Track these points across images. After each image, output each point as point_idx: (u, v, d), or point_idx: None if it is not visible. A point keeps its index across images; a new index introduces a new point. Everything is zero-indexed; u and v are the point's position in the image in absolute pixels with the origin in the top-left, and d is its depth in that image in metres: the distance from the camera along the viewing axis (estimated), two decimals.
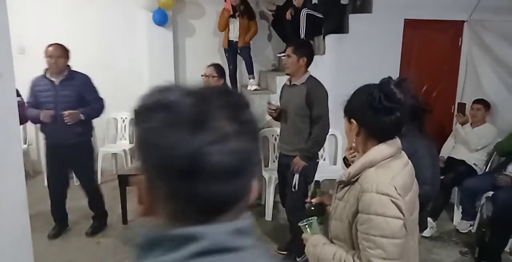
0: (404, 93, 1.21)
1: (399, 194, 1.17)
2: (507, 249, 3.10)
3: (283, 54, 4.40)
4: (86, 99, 3.15)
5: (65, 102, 3.06)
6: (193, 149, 0.48)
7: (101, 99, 3.26)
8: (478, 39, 4.17)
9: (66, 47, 3.14)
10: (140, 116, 0.53)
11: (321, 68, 3.93)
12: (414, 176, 1.34)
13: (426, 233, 3.44)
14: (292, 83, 2.84)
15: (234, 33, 4.52)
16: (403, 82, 1.22)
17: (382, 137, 1.26)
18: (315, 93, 2.74)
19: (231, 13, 4.46)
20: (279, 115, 2.93)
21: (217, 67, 3.22)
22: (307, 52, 2.80)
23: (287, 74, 2.87)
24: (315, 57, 4.14)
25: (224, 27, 4.58)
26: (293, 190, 2.84)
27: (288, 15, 4.14)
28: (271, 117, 3.06)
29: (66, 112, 3.00)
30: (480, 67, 4.13)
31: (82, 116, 3.09)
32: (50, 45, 3.08)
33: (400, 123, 1.25)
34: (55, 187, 3.30)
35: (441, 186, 3.61)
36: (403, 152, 1.32)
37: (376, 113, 1.22)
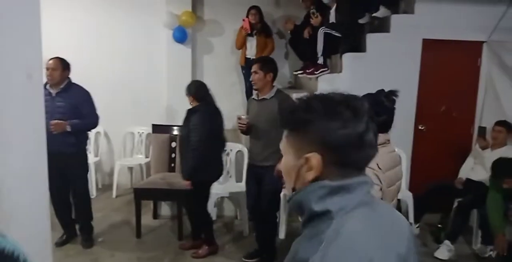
0: (390, 102, 1.78)
1: (380, 169, 1.62)
2: None
3: (300, 72, 4.44)
4: (80, 113, 3.23)
5: (59, 113, 3.14)
6: (360, 132, 0.81)
7: (96, 115, 3.33)
8: (497, 60, 4.13)
9: (65, 61, 3.26)
10: (331, 114, 0.82)
11: (337, 86, 3.91)
12: (397, 161, 1.86)
13: (444, 255, 3.35)
14: (260, 97, 3.03)
15: (251, 51, 4.59)
16: (391, 94, 1.78)
17: None
18: (285, 104, 2.92)
19: (249, 31, 4.54)
20: (248, 129, 3.05)
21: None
22: (272, 68, 3.02)
23: (255, 89, 3.07)
24: (332, 75, 4.22)
25: (241, 45, 4.66)
26: (278, 196, 3.07)
27: (306, 34, 4.19)
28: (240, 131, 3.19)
29: (53, 122, 3.06)
30: (500, 88, 4.08)
31: (68, 128, 3.14)
32: (51, 58, 3.22)
33: (387, 124, 1.79)
34: (55, 195, 3.28)
35: (460, 208, 3.56)
36: (391, 144, 1.82)
37: None
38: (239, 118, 3.07)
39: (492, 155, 3.57)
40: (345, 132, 0.79)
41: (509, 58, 3.98)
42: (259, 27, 4.58)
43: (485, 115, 4.19)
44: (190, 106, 3.18)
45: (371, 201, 0.84)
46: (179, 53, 4.89)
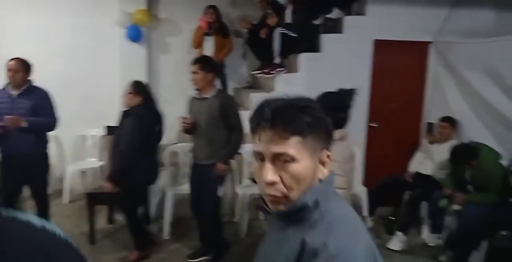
0: (350, 100, 2.02)
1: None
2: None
3: (257, 72, 4.48)
4: (40, 114, 3.14)
5: (20, 114, 3.04)
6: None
7: (54, 117, 3.25)
8: (443, 60, 4.37)
9: (27, 62, 3.15)
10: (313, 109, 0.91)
11: (294, 85, 4.01)
12: (353, 156, 2.14)
13: (396, 246, 3.51)
14: (202, 96, 3.05)
15: (208, 50, 4.56)
16: (352, 92, 2.02)
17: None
18: (230, 105, 3.03)
19: (206, 30, 4.51)
20: (192, 128, 3.07)
21: (135, 84, 3.19)
22: (212, 67, 3.07)
23: (196, 89, 3.08)
24: (289, 75, 4.29)
25: (198, 44, 4.61)
26: (219, 194, 3.08)
27: (263, 34, 4.22)
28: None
29: (8, 117, 2.97)
30: (445, 86, 4.32)
31: (24, 124, 3.03)
32: (12, 59, 3.11)
33: (345, 120, 2.02)
34: (7, 196, 3.21)
35: (410, 201, 3.75)
36: (348, 140, 2.04)
37: None
38: (183, 117, 3.05)
39: (439, 149, 3.78)
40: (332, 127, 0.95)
41: (453, 58, 4.22)
42: (216, 26, 4.56)
43: (432, 112, 4.43)
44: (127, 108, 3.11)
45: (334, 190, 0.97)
46: (133, 52, 4.75)
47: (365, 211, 3.88)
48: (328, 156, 0.93)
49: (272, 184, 0.87)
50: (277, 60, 4.27)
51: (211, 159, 3.00)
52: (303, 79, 4.19)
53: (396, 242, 3.55)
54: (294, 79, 4.17)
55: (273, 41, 4.11)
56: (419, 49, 4.54)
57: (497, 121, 3.67)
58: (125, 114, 3.09)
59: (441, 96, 4.35)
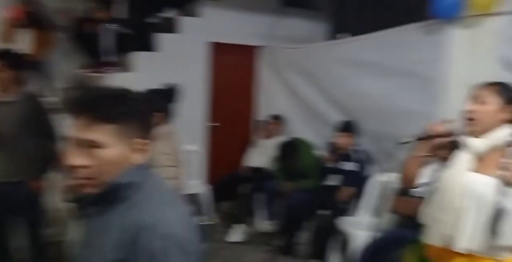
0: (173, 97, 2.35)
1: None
2: (302, 241, 3.59)
3: (86, 70, 4.13)
4: None
5: None
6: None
7: None
8: (270, 64, 4.83)
9: None
10: None
11: (130, 85, 3.83)
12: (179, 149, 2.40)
13: (237, 238, 3.72)
14: (5, 99, 2.49)
15: (24, 45, 3.95)
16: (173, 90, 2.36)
17: None
18: (42, 110, 2.61)
19: (20, 22, 3.92)
20: None
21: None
22: (19, 65, 2.58)
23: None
24: (123, 74, 4.09)
25: (9, 38, 3.96)
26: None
27: (90, 29, 3.91)
28: None
29: None
30: (272, 88, 4.78)
31: None
32: None
33: (171, 115, 2.40)
34: None
35: (246, 193, 4.03)
36: (177, 135, 2.33)
37: None
38: None
39: (269, 144, 4.16)
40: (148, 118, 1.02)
41: (278, 62, 4.70)
42: (34, 17, 3.99)
43: (263, 111, 4.86)
44: None
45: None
46: None
47: (211, 209, 4.00)
48: (144, 144, 0.97)
49: (79, 167, 0.91)
50: (109, 58, 4.01)
51: (17, 176, 2.48)
52: (138, 79, 4.03)
53: (235, 234, 3.75)
54: (128, 78, 4.00)
55: (103, 38, 3.85)
56: (250, 53, 4.90)
57: (314, 116, 4.24)
58: None
59: (269, 96, 4.80)
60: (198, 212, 3.74)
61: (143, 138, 0.97)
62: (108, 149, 0.91)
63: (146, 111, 1.00)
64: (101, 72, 4.00)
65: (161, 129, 2.17)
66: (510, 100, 1.54)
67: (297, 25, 4.81)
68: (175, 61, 4.21)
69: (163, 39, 4.26)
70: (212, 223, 3.93)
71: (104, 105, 0.91)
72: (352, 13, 4.38)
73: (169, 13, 4.45)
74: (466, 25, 2.71)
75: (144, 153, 0.97)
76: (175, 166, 2.16)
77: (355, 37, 3.78)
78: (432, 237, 1.62)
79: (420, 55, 3.03)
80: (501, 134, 1.53)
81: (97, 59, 4.08)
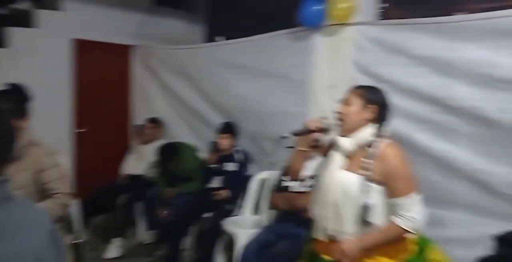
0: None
1: None
2: (187, 247, 3.44)
3: None
4: None
5: None
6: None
7: None
8: (145, 64, 4.57)
9: None
10: None
11: None
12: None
13: (114, 253, 3.41)
14: None
15: None
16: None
17: None
18: None
19: None
20: None
21: None
22: None
23: None
24: None
25: None
26: None
27: None
28: None
29: None
30: (149, 89, 4.54)
31: None
32: None
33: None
34: None
35: (124, 203, 3.72)
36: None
37: None
38: None
39: (149, 149, 3.91)
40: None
41: (154, 62, 4.48)
42: None
43: (139, 114, 4.58)
44: None
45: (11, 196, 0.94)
46: None
47: (79, 225, 3.56)
48: None
49: None
50: None
51: None
52: None
53: (113, 249, 3.43)
54: None
55: None
56: (122, 52, 4.57)
57: (194, 118, 4.13)
58: None
59: (146, 98, 4.55)
60: (68, 230, 3.31)
61: None
62: None
63: None
64: None
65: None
66: (370, 100, 1.70)
67: (172, 25, 4.69)
68: (34, 60, 3.71)
69: (17, 34, 3.71)
70: (84, 240, 3.52)
71: None
72: (226, 17, 4.43)
73: (23, 5, 3.89)
74: (328, 33, 2.94)
75: None
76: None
77: (231, 41, 3.82)
78: (318, 232, 1.72)
79: (290, 60, 3.19)
80: (364, 134, 1.68)
81: None
